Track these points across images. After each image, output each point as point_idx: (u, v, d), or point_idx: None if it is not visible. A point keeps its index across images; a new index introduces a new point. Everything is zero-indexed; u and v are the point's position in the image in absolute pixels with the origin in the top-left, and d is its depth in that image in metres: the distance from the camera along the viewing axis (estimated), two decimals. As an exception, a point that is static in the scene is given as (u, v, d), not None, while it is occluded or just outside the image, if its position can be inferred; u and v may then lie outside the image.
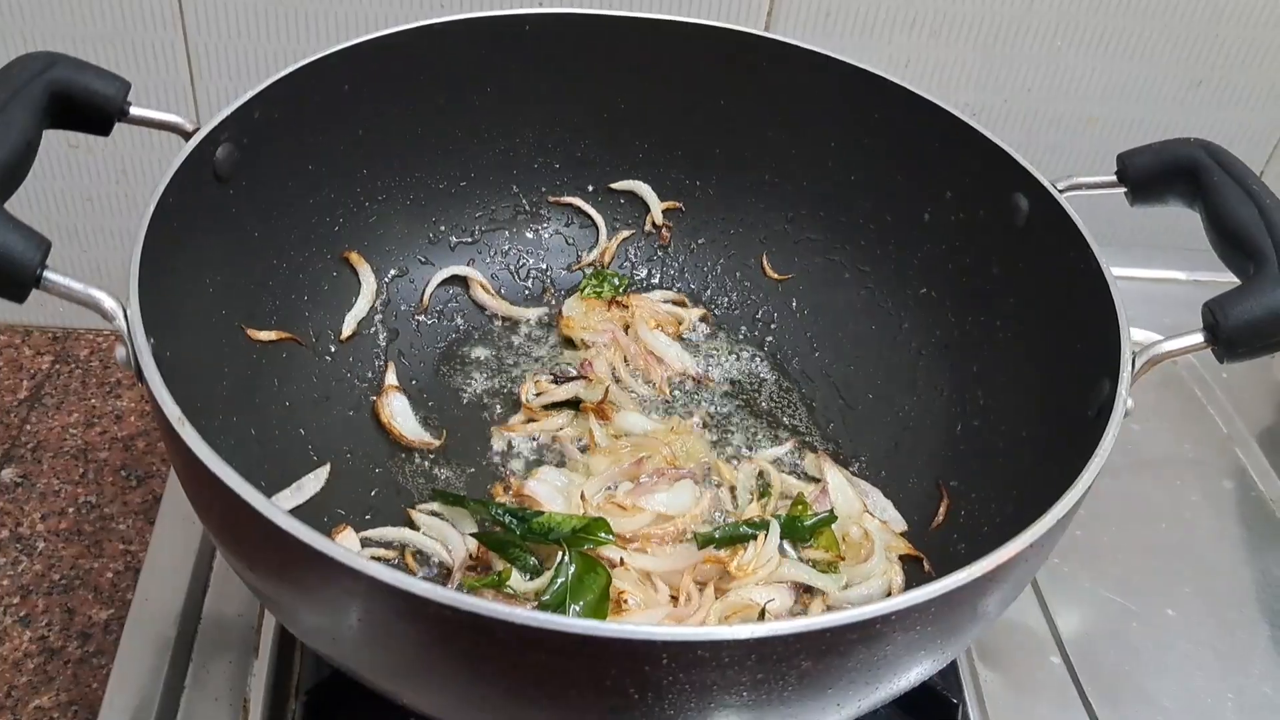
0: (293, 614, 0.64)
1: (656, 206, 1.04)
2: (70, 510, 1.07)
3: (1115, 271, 0.75)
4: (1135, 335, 0.71)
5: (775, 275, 1.03)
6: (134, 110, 0.72)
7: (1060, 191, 0.80)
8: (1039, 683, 0.84)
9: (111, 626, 0.98)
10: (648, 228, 1.05)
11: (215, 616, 0.82)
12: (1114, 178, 0.80)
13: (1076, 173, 0.82)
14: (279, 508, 0.54)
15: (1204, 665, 0.87)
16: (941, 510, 0.84)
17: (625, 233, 1.05)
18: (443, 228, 1.01)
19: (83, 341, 1.25)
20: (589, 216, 1.04)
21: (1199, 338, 0.69)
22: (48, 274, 0.61)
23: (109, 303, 0.63)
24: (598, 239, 1.05)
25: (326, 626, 0.60)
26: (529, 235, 1.04)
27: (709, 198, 1.04)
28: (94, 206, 1.18)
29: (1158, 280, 1.18)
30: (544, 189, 1.03)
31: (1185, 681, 0.86)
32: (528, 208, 1.04)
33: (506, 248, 1.04)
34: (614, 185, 1.04)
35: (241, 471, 0.56)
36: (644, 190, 1.04)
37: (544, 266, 1.05)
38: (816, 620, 0.53)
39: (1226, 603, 0.92)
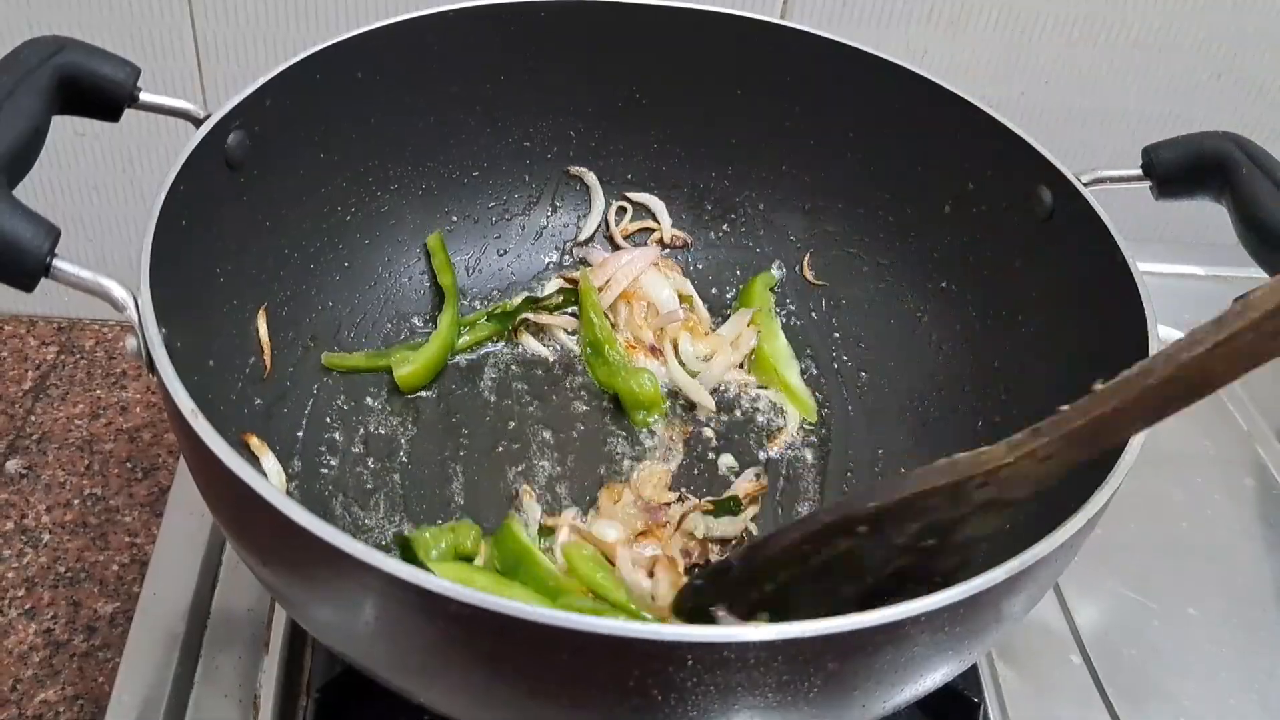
0: (306, 610, 0.63)
1: (666, 225, 1.03)
2: (75, 502, 1.06)
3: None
4: (1160, 333, 0.70)
5: (811, 279, 1.02)
6: (144, 96, 0.71)
7: (1085, 185, 0.79)
8: (1060, 683, 0.83)
9: (117, 620, 0.97)
10: (656, 237, 1.04)
11: (225, 612, 0.81)
12: (1140, 171, 0.79)
13: (1095, 167, 0.81)
14: (293, 501, 0.53)
15: (1227, 665, 0.86)
16: None
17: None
18: (455, 218, 1.00)
19: (88, 332, 1.24)
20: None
21: (1229, 333, 0.67)
22: (57, 263, 0.60)
23: (119, 292, 0.61)
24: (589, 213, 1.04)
25: (340, 623, 0.58)
26: (543, 225, 1.03)
27: (724, 188, 1.03)
28: (100, 195, 1.17)
29: (1177, 275, 1.17)
30: (558, 180, 1.02)
31: (1208, 681, 0.85)
32: (541, 198, 1.03)
33: (520, 237, 1.03)
34: (631, 195, 1.04)
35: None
36: (657, 206, 1.03)
37: (556, 258, 1.04)
38: (844, 622, 0.52)
39: (1249, 601, 0.91)
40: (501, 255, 1.02)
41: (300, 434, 0.84)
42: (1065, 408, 0.52)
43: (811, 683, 0.54)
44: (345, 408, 0.88)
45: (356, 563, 0.51)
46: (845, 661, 0.54)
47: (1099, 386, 0.51)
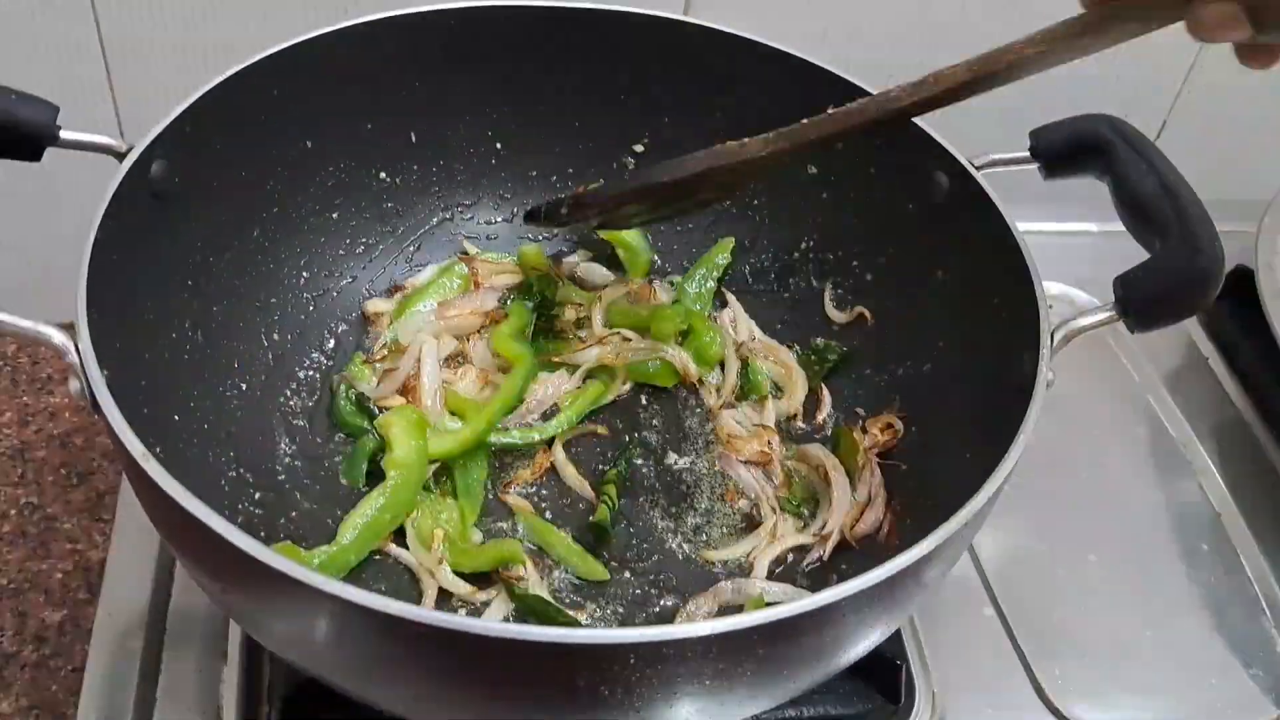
0: (270, 635, 0.66)
1: None
2: (12, 513, 1.06)
3: (1028, 227, 0.79)
4: (1051, 289, 0.76)
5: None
6: (64, 134, 0.72)
7: (977, 169, 0.83)
8: (975, 635, 0.88)
9: (65, 628, 0.98)
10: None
11: (180, 625, 0.83)
12: (1028, 154, 0.83)
13: (990, 142, 0.85)
14: (252, 538, 0.55)
15: (1124, 605, 0.93)
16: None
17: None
18: (400, 228, 1.02)
19: (8, 339, 1.23)
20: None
21: (1112, 312, 0.73)
22: (-7, 313, 0.62)
23: (59, 338, 0.63)
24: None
25: (304, 645, 0.61)
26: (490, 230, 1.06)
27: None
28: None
29: (1071, 233, 1.22)
30: (491, 183, 1.04)
31: (1107, 623, 0.91)
32: (480, 201, 1.05)
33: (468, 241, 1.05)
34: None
35: (210, 495, 0.57)
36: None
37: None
38: (772, 613, 0.56)
39: (1143, 544, 0.98)
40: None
41: (249, 450, 0.86)
42: (800, 124, 0.78)
43: (744, 668, 0.59)
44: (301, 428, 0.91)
45: (317, 593, 0.54)
46: (774, 647, 0.59)
47: (830, 110, 0.78)
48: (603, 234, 1.05)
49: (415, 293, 0.99)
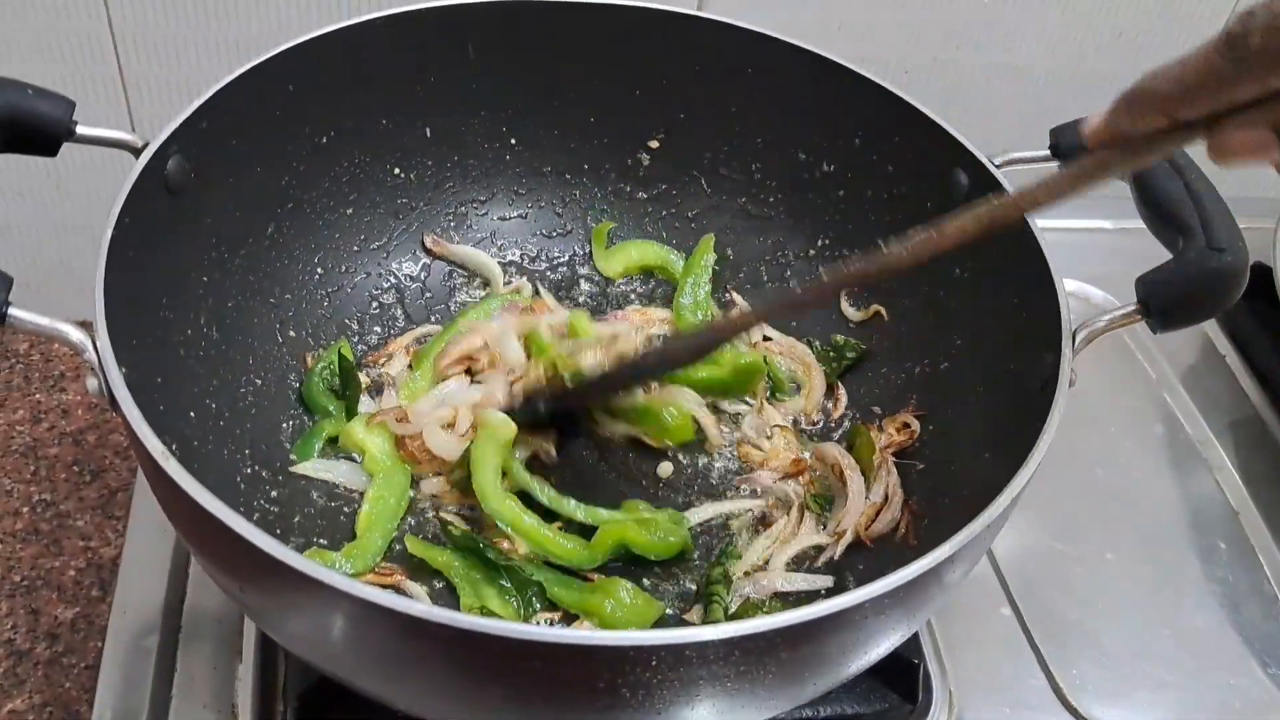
0: (285, 629, 0.66)
1: None
2: (24, 510, 1.06)
3: (1043, 224, 0.78)
4: (1066, 286, 0.75)
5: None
6: (80, 129, 0.72)
7: (998, 167, 0.82)
8: (992, 634, 0.88)
9: (78, 625, 0.98)
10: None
11: (195, 623, 0.83)
12: (1048, 152, 0.83)
13: (1010, 140, 0.85)
14: (273, 538, 0.55)
15: (1141, 603, 0.93)
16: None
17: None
18: (408, 224, 1.02)
19: (20, 335, 1.23)
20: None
21: (1135, 312, 0.72)
22: (12, 311, 0.62)
23: (76, 335, 0.63)
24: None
25: (323, 646, 0.61)
26: (495, 226, 1.06)
27: (653, 179, 1.05)
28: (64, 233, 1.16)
29: (1087, 230, 1.22)
30: (488, 186, 1.04)
31: (1125, 621, 0.91)
32: (494, 198, 1.05)
33: (474, 240, 1.04)
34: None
35: (226, 493, 0.56)
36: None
37: (517, 257, 1.06)
38: (794, 615, 0.56)
39: (1160, 542, 0.97)
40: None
41: (264, 447, 0.85)
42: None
43: (766, 670, 0.59)
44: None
45: (337, 593, 0.54)
46: (796, 649, 0.58)
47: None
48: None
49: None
